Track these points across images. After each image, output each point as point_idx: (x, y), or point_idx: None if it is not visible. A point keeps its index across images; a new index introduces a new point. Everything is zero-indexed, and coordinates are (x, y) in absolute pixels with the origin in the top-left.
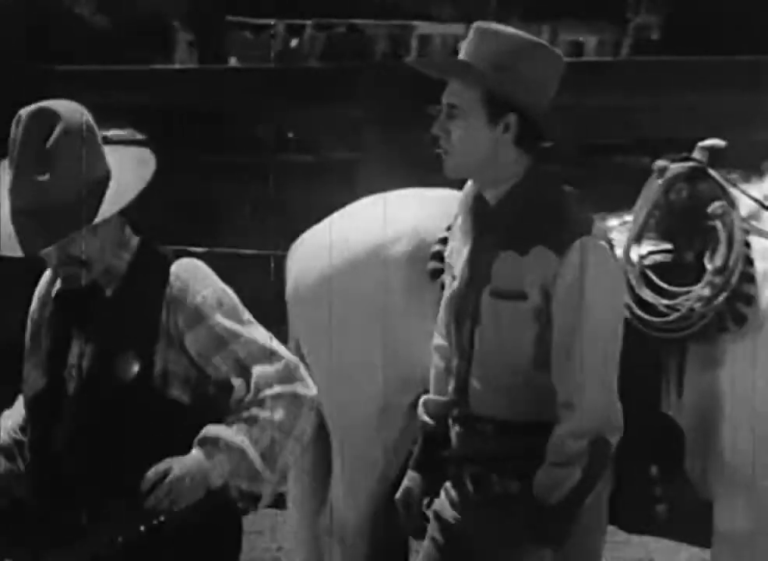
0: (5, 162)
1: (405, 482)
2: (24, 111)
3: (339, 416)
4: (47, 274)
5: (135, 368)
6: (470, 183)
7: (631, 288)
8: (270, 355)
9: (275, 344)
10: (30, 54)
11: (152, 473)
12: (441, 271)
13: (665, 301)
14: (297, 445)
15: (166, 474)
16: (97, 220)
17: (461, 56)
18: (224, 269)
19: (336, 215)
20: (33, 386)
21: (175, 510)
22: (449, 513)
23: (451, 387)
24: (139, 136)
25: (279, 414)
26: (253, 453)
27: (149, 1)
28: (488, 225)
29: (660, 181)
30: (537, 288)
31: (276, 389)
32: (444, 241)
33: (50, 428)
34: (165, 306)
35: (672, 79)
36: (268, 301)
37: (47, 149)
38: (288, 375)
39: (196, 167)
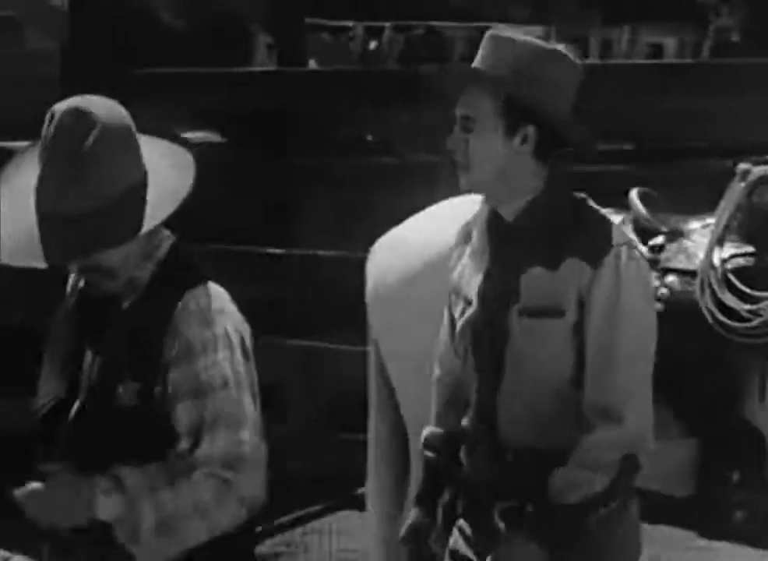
0: (17, 160)
1: (409, 519)
2: (58, 108)
3: (417, 418)
4: None
5: (136, 388)
6: (483, 202)
7: (713, 292)
8: (236, 430)
9: (249, 422)
10: (110, 57)
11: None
12: None
13: (747, 306)
14: (210, 531)
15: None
16: (143, 231)
17: (475, 64)
18: (304, 271)
19: (415, 217)
20: (49, 385)
21: (56, 526)
22: (468, 551)
23: (469, 418)
24: (215, 139)
25: (199, 493)
26: (147, 512)
27: (227, 4)
28: (508, 242)
29: (742, 185)
30: (574, 303)
31: (213, 469)
32: None
33: (57, 427)
34: (169, 331)
35: (752, 81)
36: (348, 302)
37: (81, 152)
38: (234, 462)
39: (275, 169)
